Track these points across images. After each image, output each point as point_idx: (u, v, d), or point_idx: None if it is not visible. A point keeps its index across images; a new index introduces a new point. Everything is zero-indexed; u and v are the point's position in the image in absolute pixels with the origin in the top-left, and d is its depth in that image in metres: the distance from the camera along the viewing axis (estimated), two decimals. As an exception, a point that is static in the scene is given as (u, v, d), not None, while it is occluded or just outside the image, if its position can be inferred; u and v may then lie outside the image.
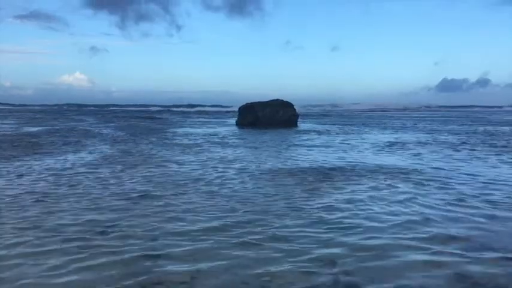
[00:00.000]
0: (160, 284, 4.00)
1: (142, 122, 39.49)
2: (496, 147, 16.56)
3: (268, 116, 30.85)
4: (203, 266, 4.41)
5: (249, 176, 9.70)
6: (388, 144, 17.96)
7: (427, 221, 6.05)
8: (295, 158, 12.93)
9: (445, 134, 23.93)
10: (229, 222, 5.94)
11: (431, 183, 8.86)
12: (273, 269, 4.34)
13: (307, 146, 16.85)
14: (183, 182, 8.96)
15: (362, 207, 6.82)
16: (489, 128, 30.55)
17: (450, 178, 9.43)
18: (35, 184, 8.67)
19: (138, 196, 7.57)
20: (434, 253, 4.81)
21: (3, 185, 8.55)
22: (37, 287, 3.95)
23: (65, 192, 7.87)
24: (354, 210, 6.64)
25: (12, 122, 37.46)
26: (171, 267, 4.36)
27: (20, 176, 9.65)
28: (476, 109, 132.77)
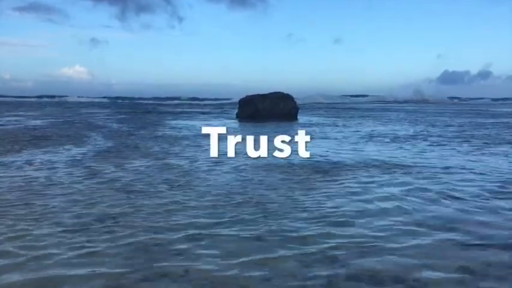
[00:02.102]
0: (165, 276, 4.08)
1: (142, 115, 39.46)
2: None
3: (269, 109, 30.79)
4: (204, 258, 4.47)
5: (247, 169, 9.75)
6: (382, 137, 18.03)
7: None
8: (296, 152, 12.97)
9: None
10: (228, 216, 5.99)
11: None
12: (273, 261, 4.40)
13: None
14: (180, 175, 9.02)
15: (362, 202, 6.88)
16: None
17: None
18: (29, 177, 8.72)
19: (138, 190, 7.63)
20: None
21: None
22: (38, 278, 4.01)
23: (64, 186, 7.93)
24: (353, 205, 6.70)
25: (12, 114, 37.44)
26: (172, 260, 4.43)
27: (11, 171, 9.64)
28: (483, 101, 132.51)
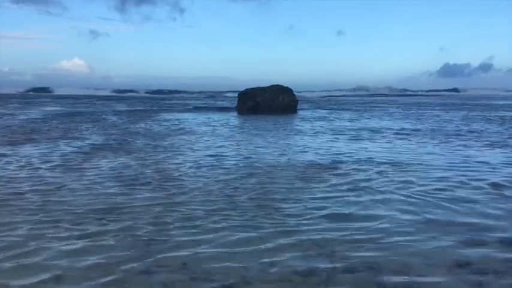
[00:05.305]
0: (163, 266, 4.09)
1: (141, 108, 39.35)
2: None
3: (268, 102, 30.73)
4: (204, 250, 4.48)
5: (247, 166, 9.75)
6: (377, 131, 18.04)
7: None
8: (300, 148, 12.95)
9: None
10: (228, 210, 6.00)
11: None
12: (272, 254, 4.41)
13: (310, 135, 16.89)
14: (179, 172, 9.01)
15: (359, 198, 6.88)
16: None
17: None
18: (28, 173, 8.70)
19: (139, 184, 7.63)
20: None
21: None
22: (37, 272, 4.01)
23: (65, 179, 7.93)
24: (351, 200, 6.71)
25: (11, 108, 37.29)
26: (172, 252, 4.44)
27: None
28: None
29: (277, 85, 32.14)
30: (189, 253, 4.40)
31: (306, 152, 11.43)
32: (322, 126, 19.92)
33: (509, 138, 15.05)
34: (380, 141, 13.88)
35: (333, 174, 8.33)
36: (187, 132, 16.89)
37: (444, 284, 3.81)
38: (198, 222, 5.36)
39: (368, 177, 8.09)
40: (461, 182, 7.67)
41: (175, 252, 4.42)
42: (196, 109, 37.67)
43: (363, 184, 7.49)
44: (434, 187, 7.29)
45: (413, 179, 7.87)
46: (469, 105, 49.21)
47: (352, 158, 10.27)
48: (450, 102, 56.52)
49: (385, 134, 16.26)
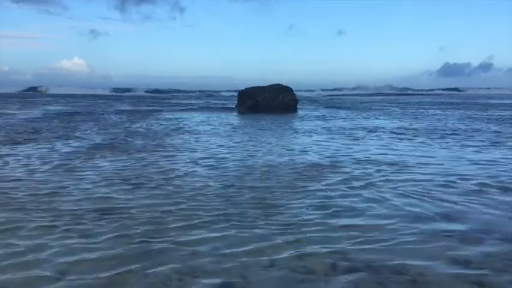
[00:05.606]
0: (163, 268, 4.09)
1: (141, 107, 39.33)
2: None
3: (268, 101, 30.68)
4: (204, 251, 4.48)
5: (246, 166, 9.74)
6: (371, 130, 18.07)
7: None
8: (302, 149, 12.95)
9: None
10: (228, 211, 6.00)
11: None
12: (273, 255, 4.41)
13: (309, 134, 16.89)
14: (178, 172, 9.00)
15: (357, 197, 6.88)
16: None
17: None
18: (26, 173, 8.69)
19: (138, 184, 7.63)
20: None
21: None
22: (37, 276, 4.01)
23: (64, 179, 7.92)
24: (347, 199, 6.70)
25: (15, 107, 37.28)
26: (171, 253, 4.44)
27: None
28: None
29: (277, 84, 32.07)
30: (189, 254, 4.40)
31: (306, 152, 11.44)
32: (321, 126, 19.94)
33: (508, 137, 15.05)
34: (379, 141, 13.90)
35: (334, 175, 8.34)
36: (186, 131, 16.88)
37: (444, 283, 3.82)
38: (198, 223, 5.37)
39: (368, 177, 8.10)
40: (461, 181, 7.68)
41: (175, 253, 4.43)
42: (196, 108, 37.62)
43: (363, 185, 7.50)
44: (433, 186, 7.30)
45: (413, 179, 7.88)
46: (473, 104, 49.19)
47: (352, 158, 10.28)
48: (450, 102, 56.52)
49: (384, 134, 16.27)
